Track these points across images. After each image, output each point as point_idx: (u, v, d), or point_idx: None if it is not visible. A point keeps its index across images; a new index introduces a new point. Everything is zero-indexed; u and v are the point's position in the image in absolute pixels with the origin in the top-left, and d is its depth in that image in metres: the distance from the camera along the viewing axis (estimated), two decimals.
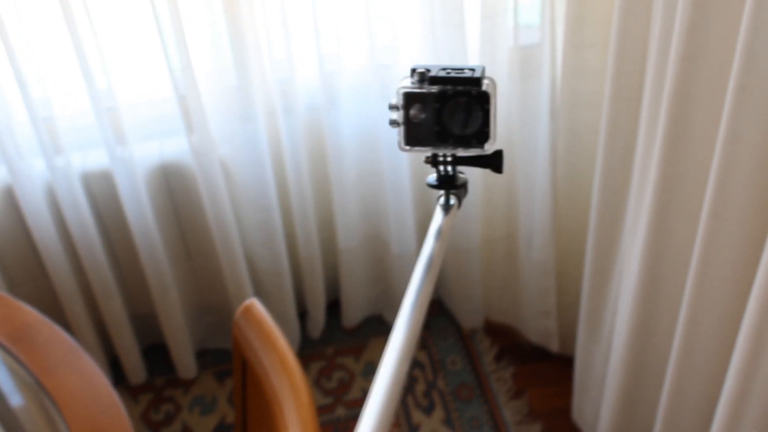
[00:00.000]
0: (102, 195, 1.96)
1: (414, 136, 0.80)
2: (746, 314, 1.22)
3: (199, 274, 2.14)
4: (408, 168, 1.98)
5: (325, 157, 1.97)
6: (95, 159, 1.91)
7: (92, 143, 1.87)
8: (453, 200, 0.88)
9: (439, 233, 0.82)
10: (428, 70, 0.79)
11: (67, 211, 1.88)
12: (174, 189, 2.00)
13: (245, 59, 1.80)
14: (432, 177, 0.87)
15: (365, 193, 2.06)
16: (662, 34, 1.32)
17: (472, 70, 0.79)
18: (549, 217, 1.97)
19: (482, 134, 0.79)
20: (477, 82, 0.77)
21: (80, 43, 1.69)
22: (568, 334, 2.10)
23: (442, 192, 0.87)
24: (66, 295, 1.98)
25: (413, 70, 0.79)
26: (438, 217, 0.86)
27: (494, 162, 0.83)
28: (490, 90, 0.77)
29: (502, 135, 1.95)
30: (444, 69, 0.79)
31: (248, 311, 1.04)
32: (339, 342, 2.29)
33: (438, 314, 2.35)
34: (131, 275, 2.09)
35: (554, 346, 2.17)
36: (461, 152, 0.81)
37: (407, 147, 0.81)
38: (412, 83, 0.79)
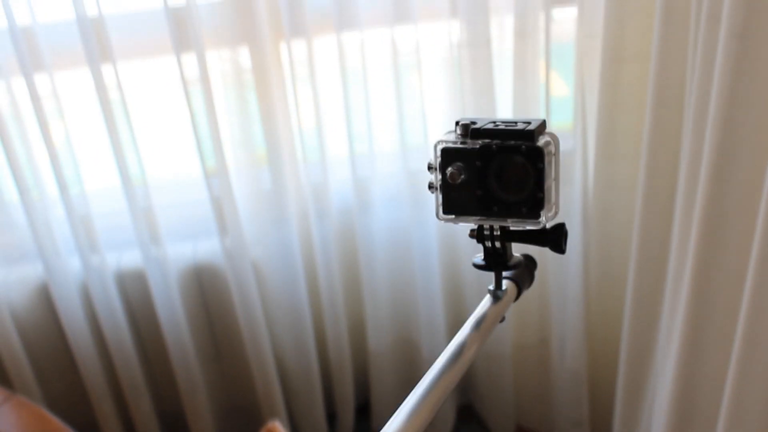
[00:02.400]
0: (135, 294, 1.97)
1: (453, 202, 0.66)
2: None
3: (229, 374, 2.13)
4: (439, 273, 1.97)
5: (356, 260, 1.98)
6: (129, 258, 1.93)
7: (127, 242, 1.89)
8: (506, 285, 0.74)
9: (479, 323, 0.69)
10: (473, 123, 0.65)
11: (100, 309, 1.90)
12: (206, 290, 2.01)
13: (279, 163, 1.83)
14: (480, 256, 0.72)
15: (396, 297, 2.05)
16: (692, 154, 1.32)
17: (528, 123, 0.63)
18: (581, 324, 1.94)
19: (535, 201, 0.63)
20: (529, 135, 0.62)
21: (119, 143, 1.73)
22: None
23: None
24: (95, 392, 1.99)
25: (457, 123, 0.65)
26: (484, 304, 0.72)
27: (552, 238, 0.68)
28: (547, 147, 0.62)
29: None
30: (494, 122, 0.65)
31: None
32: None
33: (469, 420, 2.30)
34: (161, 374, 2.09)
35: None
36: (511, 224, 0.66)
37: (444, 216, 0.67)
38: (455, 138, 0.65)
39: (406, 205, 1.91)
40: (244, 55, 1.75)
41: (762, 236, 1.14)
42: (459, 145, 0.63)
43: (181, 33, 1.66)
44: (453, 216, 0.67)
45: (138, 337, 2.03)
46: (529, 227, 0.65)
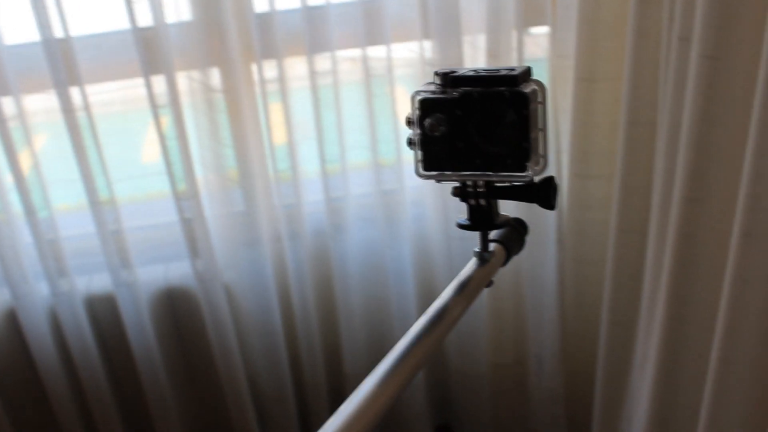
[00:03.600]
0: (105, 319, 1.94)
1: (434, 157, 0.61)
2: None
3: (201, 399, 2.10)
4: (414, 294, 1.96)
5: (330, 282, 1.96)
6: (99, 282, 1.90)
7: (97, 266, 1.86)
8: (494, 248, 0.68)
9: (463, 286, 0.63)
10: (453, 72, 0.60)
11: (70, 335, 1.86)
12: (178, 314, 1.98)
13: (251, 184, 1.81)
14: (464, 217, 0.67)
15: (371, 319, 2.03)
16: (666, 173, 1.32)
17: (512, 69, 0.58)
18: (558, 343, 1.93)
19: (521, 152, 0.58)
20: (513, 81, 0.56)
21: (87, 166, 1.71)
22: None
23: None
24: (66, 419, 1.95)
25: (436, 73, 0.61)
26: (469, 266, 0.66)
27: (540, 193, 0.62)
28: (533, 94, 0.57)
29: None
30: (475, 70, 0.60)
31: None
32: None
33: None
34: (132, 399, 2.05)
35: None
36: (496, 179, 0.61)
37: (424, 173, 0.63)
38: (434, 88, 0.60)
39: (380, 226, 1.89)
40: (214, 76, 1.73)
41: (736, 255, 1.14)
42: (438, 95, 0.59)
43: (151, 55, 1.64)
44: (434, 173, 0.62)
45: (108, 362, 2.00)
46: (515, 181, 0.59)
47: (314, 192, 1.86)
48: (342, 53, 1.73)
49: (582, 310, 1.90)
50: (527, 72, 0.58)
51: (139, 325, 1.88)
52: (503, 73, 0.57)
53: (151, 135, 1.71)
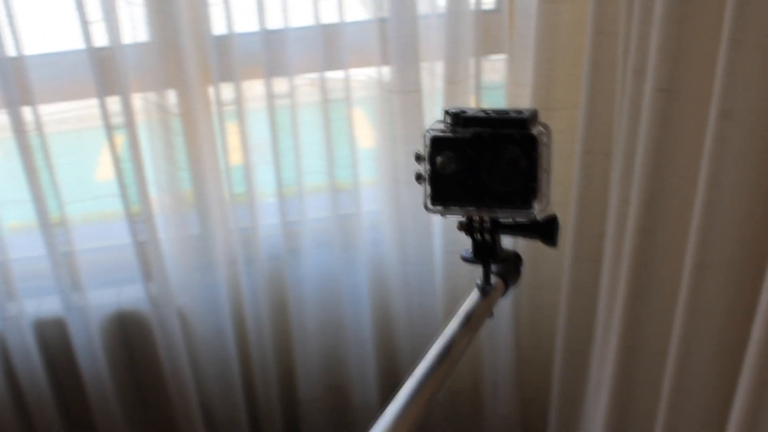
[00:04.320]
0: (54, 344, 1.89)
1: (442, 193, 0.64)
2: None
3: (153, 425, 2.06)
4: (370, 319, 1.95)
5: (286, 307, 1.94)
6: (49, 306, 1.86)
7: (46, 289, 1.82)
8: (493, 281, 0.71)
9: (468, 318, 0.65)
10: (464, 111, 0.63)
11: (17, 360, 1.82)
12: (130, 338, 1.94)
13: (206, 207, 1.79)
14: (468, 250, 0.70)
15: (327, 344, 2.02)
16: (620, 204, 1.33)
17: (520, 112, 0.62)
18: (513, 370, 1.93)
19: (528, 191, 0.62)
20: (523, 124, 0.61)
21: (38, 187, 1.67)
22: None
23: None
24: None
25: (446, 112, 0.64)
26: (471, 299, 0.69)
27: (545, 231, 0.66)
28: (540, 136, 0.61)
29: (463, 284, 1.93)
30: (484, 111, 0.63)
31: None
32: None
33: None
34: (82, 426, 2.01)
35: None
36: (502, 216, 0.65)
37: (432, 207, 0.65)
38: (444, 127, 0.63)
39: (337, 251, 1.88)
40: (171, 98, 1.71)
41: (689, 285, 1.15)
42: (450, 134, 0.61)
43: (106, 75, 1.61)
44: (441, 207, 0.65)
45: (58, 388, 1.95)
46: (520, 219, 0.63)
47: (271, 215, 1.85)
48: (300, 78, 1.73)
49: (537, 336, 1.90)
50: (535, 114, 0.62)
51: (90, 349, 1.85)
52: (513, 115, 0.60)
53: (105, 156, 1.69)
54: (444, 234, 1.87)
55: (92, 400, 1.89)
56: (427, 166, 0.63)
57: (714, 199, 1.08)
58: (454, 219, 0.64)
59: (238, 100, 1.70)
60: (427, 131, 0.62)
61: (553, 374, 1.73)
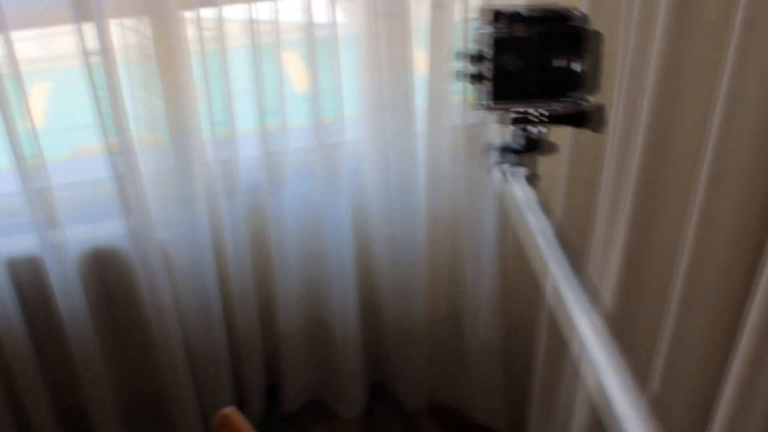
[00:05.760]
0: (29, 282, 1.84)
1: (504, 90, 0.66)
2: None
3: (133, 362, 2.02)
4: (352, 250, 1.94)
5: (267, 239, 1.91)
6: (23, 244, 1.79)
7: (20, 227, 1.76)
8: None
9: (543, 206, 0.69)
10: (518, 12, 0.64)
11: None
12: (108, 275, 1.90)
13: (186, 140, 1.74)
14: (500, 142, 0.73)
15: (308, 277, 2.00)
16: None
17: (565, 9, 0.64)
18: (496, 296, 1.95)
19: (584, 83, 0.65)
20: (585, 19, 0.63)
21: (11, 120, 1.59)
22: (517, 414, 2.07)
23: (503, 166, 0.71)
24: None
25: (497, 12, 0.65)
26: (526, 192, 0.72)
27: (596, 118, 0.69)
28: (598, 31, 0.63)
29: (446, 213, 1.93)
30: (531, 9, 0.65)
31: (226, 421, 0.97)
32: (279, 428, 2.19)
33: (380, 397, 2.28)
34: (59, 367, 1.96)
35: (502, 426, 2.13)
36: (558, 108, 0.67)
37: (494, 104, 0.67)
38: (501, 27, 0.64)
39: (320, 182, 1.86)
40: (147, 25, 1.64)
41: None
42: (516, 34, 0.63)
43: (81, 1, 1.54)
44: (503, 104, 0.67)
45: (33, 328, 1.90)
46: (577, 109, 0.65)
47: (252, 147, 1.81)
48: (283, 3, 1.68)
49: (523, 262, 1.92)
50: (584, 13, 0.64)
51: (67, 288, 1.79)
52: (569, 13, 0.62)
53: (81, 86, 1.62)
54: (427, 162, 1.86)
55: (70, 340, 1.84)
56: (490, 65, 0.64)
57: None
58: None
59: (219, 27, 1.65)
60: (486, 33, 0.62)
61: (540, 298, 1.75)
